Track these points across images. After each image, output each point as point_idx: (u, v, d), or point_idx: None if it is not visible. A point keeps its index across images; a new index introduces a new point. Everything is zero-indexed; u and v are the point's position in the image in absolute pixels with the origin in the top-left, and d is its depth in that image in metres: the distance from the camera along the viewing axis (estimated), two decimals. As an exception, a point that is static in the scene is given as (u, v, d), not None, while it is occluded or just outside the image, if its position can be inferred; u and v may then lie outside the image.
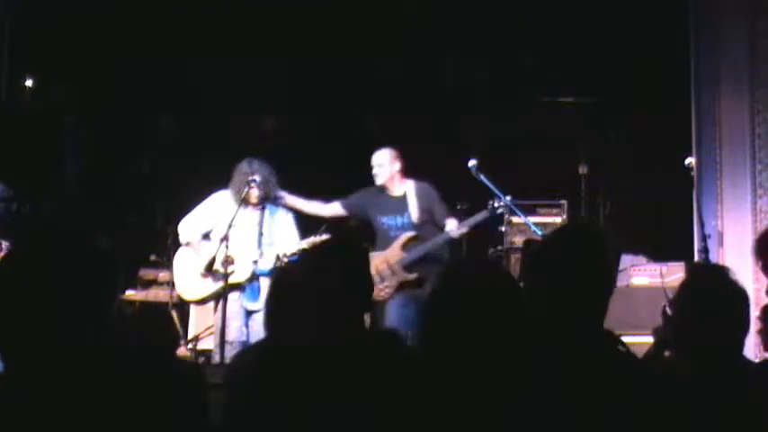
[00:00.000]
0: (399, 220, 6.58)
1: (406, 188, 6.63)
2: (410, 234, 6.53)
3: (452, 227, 6.47)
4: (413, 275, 6.42)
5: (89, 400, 1.83)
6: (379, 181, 6.60)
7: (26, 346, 1.84)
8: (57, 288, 1.87)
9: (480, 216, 6.60)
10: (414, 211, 6.55)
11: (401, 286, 6.44)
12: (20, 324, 1.85)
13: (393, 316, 6.33)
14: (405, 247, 6.52)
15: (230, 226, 6.20)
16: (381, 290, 6.37)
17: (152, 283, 8.12)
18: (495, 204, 6.58)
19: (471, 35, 8.56)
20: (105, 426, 1.83)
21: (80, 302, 1.88)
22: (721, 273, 2.80)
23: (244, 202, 6.34)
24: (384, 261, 6.45)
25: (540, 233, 6.51)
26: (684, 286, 2.81)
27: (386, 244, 6.55)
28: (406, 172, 6.69)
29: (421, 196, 6.59)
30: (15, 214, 7.23)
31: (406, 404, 2.31)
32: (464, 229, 6.51)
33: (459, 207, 7.90)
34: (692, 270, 2.88)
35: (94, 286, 1.91)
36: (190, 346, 7.38)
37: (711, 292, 2.71)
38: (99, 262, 1.94)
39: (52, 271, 1.88)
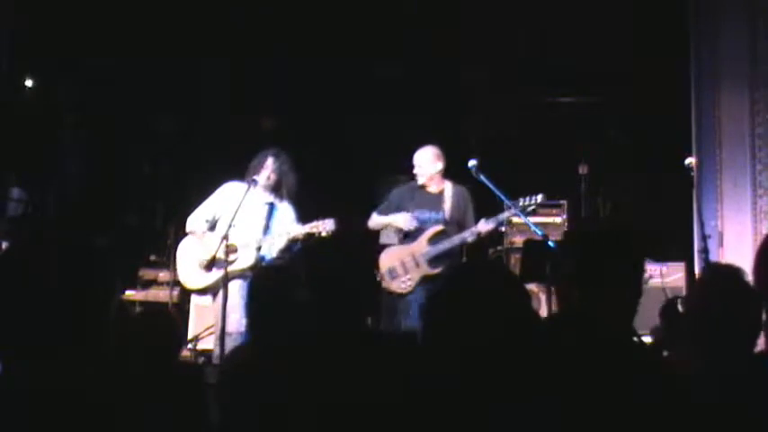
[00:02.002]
0: (433, 216, 6.60)
1: (444, 187, 6.65)
2: (438, 228, 6.55)
3: (480, 223, 6.47)
4: (436, 270, 6.41)
5: (89, 400, 1.83)
6: (420, 181, 6.62)
7: (26, 346, 1.85)
8: (55, 288, 1.87)
9: (508, 213, 6.51)
10: (448, 210, 6.58)
11: (424, 280, 6.43)
12: (19, 324, 1.85)
13: (413, 311, 6.29)
14: (431, 240, 6.53)
15: (230, 226, 6.14)
16: (403, 282, 6.40)
17: (152, 283, 8.13)
18: (526, 203, 6.48)
19: (471, 35, 8.56)
20: (105, 426, 1.83)
21: (78, 302, 1.88)
22: (737, 274, 2.87)
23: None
24: (410, 253, 6.50)
25: (540, 233, 6.50)
26: (701, 285, 2.86)
27: (417, 237, 6.58)
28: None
29: (458, 198, 6.62)
30: (23, 216, 7.25)
31: (407, 404, 2.31)
32: (491, 225, 6.50)
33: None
34: (709, 269, 2.97)
35: (92, 286, 1.91)
36: (190, 346, 7.39)
37: (727, 292, 2.78)
38: (96, 261, 1.94)
39: (50, 271, 1.88)
